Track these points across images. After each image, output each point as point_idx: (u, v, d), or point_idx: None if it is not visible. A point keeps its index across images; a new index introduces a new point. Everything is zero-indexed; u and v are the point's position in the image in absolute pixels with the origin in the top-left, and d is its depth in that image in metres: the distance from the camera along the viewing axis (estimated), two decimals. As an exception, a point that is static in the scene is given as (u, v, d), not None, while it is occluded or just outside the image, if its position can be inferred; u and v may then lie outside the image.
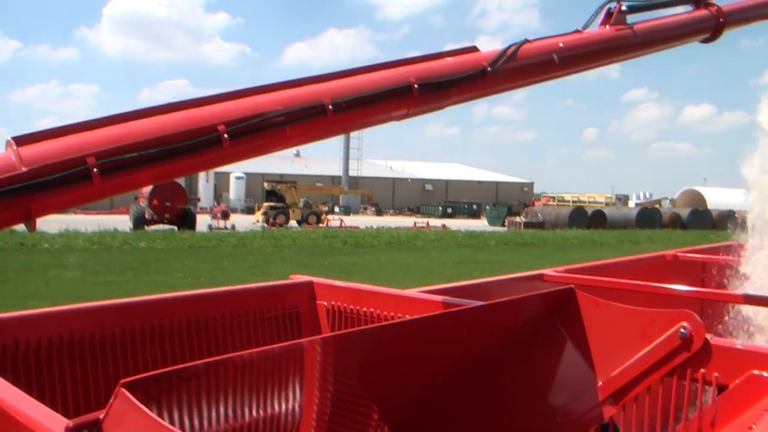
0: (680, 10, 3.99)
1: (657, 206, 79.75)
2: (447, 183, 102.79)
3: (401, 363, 2.47)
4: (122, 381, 1.51)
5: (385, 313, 3.13)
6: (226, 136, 2.03)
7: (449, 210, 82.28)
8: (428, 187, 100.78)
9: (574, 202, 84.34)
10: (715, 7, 4.06)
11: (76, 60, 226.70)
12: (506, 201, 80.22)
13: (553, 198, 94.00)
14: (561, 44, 3.06)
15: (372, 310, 3.20)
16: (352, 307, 3.29)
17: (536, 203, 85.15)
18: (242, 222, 45.73)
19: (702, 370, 2.27)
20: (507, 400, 2.63)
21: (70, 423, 1.53)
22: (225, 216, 46.57)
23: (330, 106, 2.25)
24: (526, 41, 2.94)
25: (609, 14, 3.40)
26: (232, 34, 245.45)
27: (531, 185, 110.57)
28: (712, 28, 4.07)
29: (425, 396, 2.57)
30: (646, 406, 2.40)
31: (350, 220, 56.63)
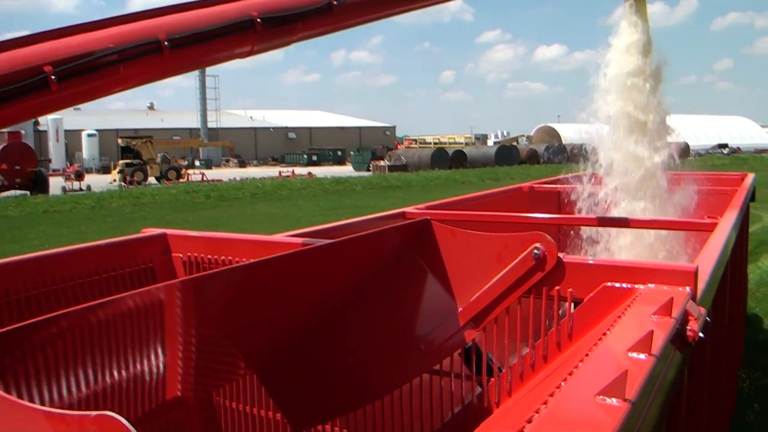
0: None
1: (514, 144, 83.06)
2: (310, 131, 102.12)
3: (263, 305, 2.40)
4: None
5: (244, 260, 3.03)
6: (53, 77, 1.84)
7: (314, 157, 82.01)
8: (291, 135, 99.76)
9: (435, 143, 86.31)
10: None
11: None
12: (370, 146, 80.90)
13: (416, 141, 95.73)
14: None
15: (231, 257, 3.09)
16: (209, 257, 3.16)
17: (399, 146, 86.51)
18: (98, 182, 43.69)
19: (557, 288, 2.34)
20: (372, 333, 2.63)
21: None
22: (79, 177, 44.34)
23: (166, 43, 2.10)
24: None
25: None
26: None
27: (393, 129, 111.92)
28: None
29: (291, 337, 2.53)
30: (506, 327, 2.46)
31: (212, 174, 55.41)
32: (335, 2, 2.61)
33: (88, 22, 2.08)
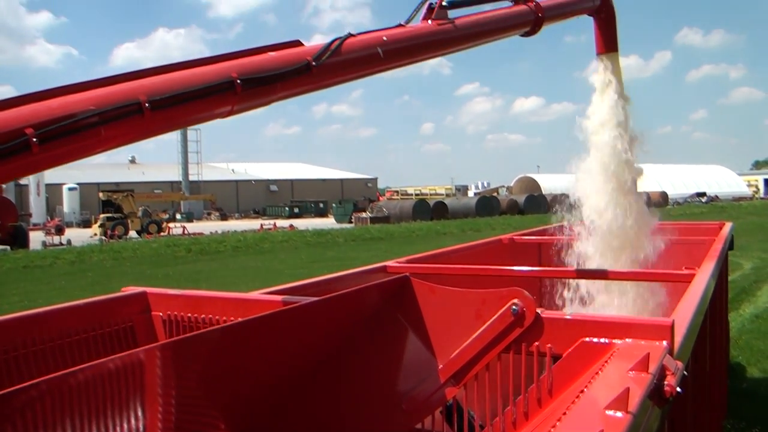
0: (500, 5, 4.17)
1: (495, 194, 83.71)
2: (292, 183, 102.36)
3: (243, 365, 2.39)
4: None
5: (224, 318, 3.01)
6: (35, 140, 1.86)
7: (296, 210, 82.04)
8: (273, 187, 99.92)
9: (416, 194, 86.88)
10: (534, 3, 4.27)
11: None
12: (352, 197, 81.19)
13: (397, 192, 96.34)
14: (384, 38, 3.09)
15: (211, 316, 3.07)
16: (189, 315, 3.15)
17: (381, 198, 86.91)
18: (79, 236, 43.42)
19: (536, 343, 2.36)
20: (352, 392, 2.62)
21: None
22: (59, 231, 44.07)
23: (147, 104, 2.13)
24: (350, 35, 2.94)
25: (431, 9, 3.50)
26: (57, 35, 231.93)
27: (375, 180, 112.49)
28: (531, 22, 4.28)
29: (271, 396, 2.51)
30: (487, 383, 2.46)
31: (193, 227, 55.24)
32: (313, 63, 2.67)
33: (69, 84, 2.12)
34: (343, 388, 2.63)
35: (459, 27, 3.59)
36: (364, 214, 58.95)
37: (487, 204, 62.77)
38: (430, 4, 3.50)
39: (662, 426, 2.04)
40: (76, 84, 2.13)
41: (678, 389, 1.88)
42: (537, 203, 63.15)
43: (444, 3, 3.52)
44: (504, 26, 4.11)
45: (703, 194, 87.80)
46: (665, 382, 1.87)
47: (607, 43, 5.57)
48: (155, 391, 2.17)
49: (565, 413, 1.57)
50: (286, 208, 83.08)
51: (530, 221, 36.37)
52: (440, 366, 2.52)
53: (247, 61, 2.52)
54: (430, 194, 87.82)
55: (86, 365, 1.93)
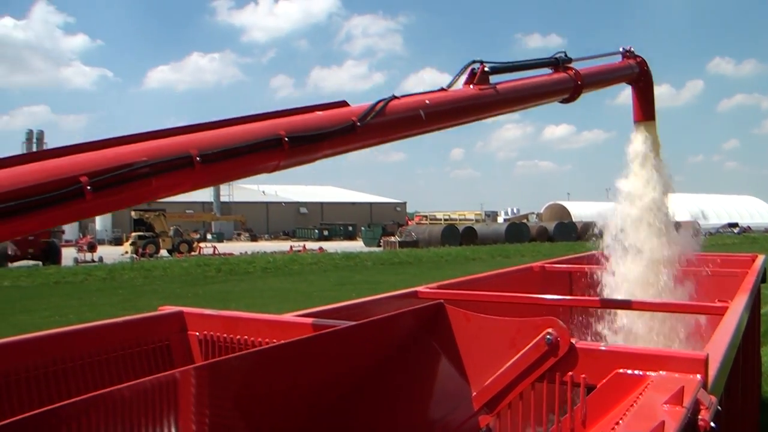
0: (541, 72, 4.24)
1: (524, 221, 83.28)
2: (322, 205, 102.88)
3: (278, 388, 2.42)
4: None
5: (259, 339, 3.06)
6: (89, 188, 1.93)
7: (325, 232, 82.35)
8: (303, 210, 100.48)
9: (445, 220, 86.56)
10: (574, 71, 4.34)
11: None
12: (381, 221, 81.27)
13: (426, 217, 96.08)
14: (427, 101, 3.18)
15: (246, 337, 3.12)
16: (225, 335, 3.20)
17: (410, 222, 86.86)
18: (110, 254, 43.94)
19: (570, 373, 2.36)
20: (385, 418, 2.64)
21: None
22: (91, 248, 44.73)
23: (198, 158, 2.20)
24: (394, 97, 3.04)
25: (473, 74, 3.57)
26: (93, 58, 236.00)
27: (404, 205, 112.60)
28: (570, 89, 4.35)
29: (305, 420, 2.54)
30: (520, 412, 2.47)
31: (224, 247, 55.61)
32: (358, 123, 2.74)
33: (123, 135, 2.22)
34: (376, 413, 2.65)
35: (500, 92, 3.66)
36: (392, 239, 58.95)
37: (517, 230, 62.41)
38: (473, 69, 3.59)
39: (696, 461, 2.03)
40: (130, 135, 2.22)
41: (712, 424, 1.87)
42: (567, 230, 62.68)
43: (486, 69, 3.60)
44: (544, 93, 4.20)
45: (735, 225, 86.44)
46: (699, 417, 1.87)
47: (645, 112, 5.65)
48: (189, 411, 2.21)
49: (600, 444, 1.58)
50: (316, 231, 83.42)
51: (560, 249, 36.12)
52: (473, 394, 2.53)
53: (294, 120, 2.60)
54: (459, 219, 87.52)
55: (124, 385, 1.98)
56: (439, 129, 3.33)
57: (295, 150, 2.50)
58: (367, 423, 2.64)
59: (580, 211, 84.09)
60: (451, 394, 2.59)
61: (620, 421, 1.74)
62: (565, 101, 4.42)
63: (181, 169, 2.18)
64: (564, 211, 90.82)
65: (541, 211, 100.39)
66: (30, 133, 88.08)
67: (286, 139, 2.45)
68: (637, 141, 5.61)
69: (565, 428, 2.23)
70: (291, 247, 53.28)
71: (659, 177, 5.52)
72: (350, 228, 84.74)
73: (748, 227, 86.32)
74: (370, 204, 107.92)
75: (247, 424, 2.44)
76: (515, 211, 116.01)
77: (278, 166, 2.55)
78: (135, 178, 2.06)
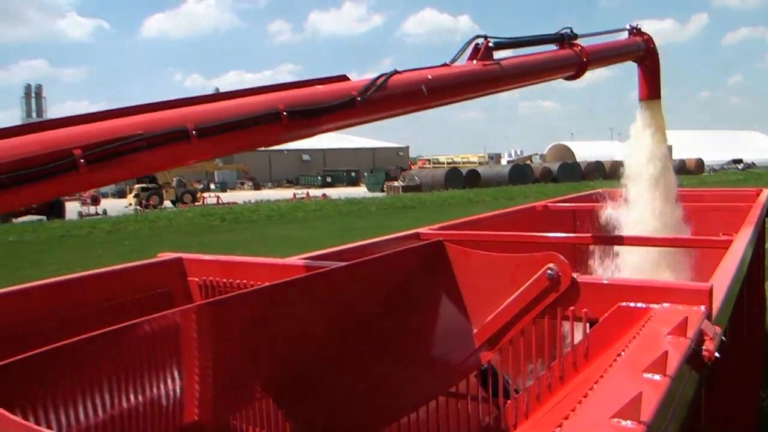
0: (546, 48, 4.15)
1: (528, 162, 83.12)
2: (324, 152, 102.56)
3: (278, 328, 2.41)
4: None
5: (260, 283, 3.04)
6: (82, 161, 1.90)
7: (328, 179, 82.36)
8: (305, 157, 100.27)
9: (448, 163, 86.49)
10: (579, 47, 4.24)
11: None
12: (383, 166, 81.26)
13: (429, 161, 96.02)
14: (429, 76, 3.12)
15: (246, 281, 3.10)
16: (225, 280, 3.18)
17: (413, 167, 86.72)
18: (114, 206, 44.10)
19: (572, 308, 2.34)
20: (388, 355, 2.63)
21: None
22: (95, 201, 44.86)
23: (194, 131, 2.16)
24: (396, 72, 2.97)
25: (477, 49, 3.50)
26: (88, 8, 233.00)
27: (406, 149, 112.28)
28: (576, 66, 4.26)
29: (306, 359, 2.53)
30: (522, 348, 2.46)
31: (227, 197, 55.78)
32: (358, 98, 2.69)
33: (118, 108, 2.18)
34: (377, 351, 2.64)
35: (504, 68, 3.61)
36: (396, 183, 58.97)
37: (521, 172, 62.28)
38: (477, 44, 3.53)
39: (699, 392, 2.02)
40: (125, 108, 2.18)
41: (716, 354, 1.85)
42: (571, 171, 62.51)
43: (490, 44, 3.54)
44: (549, 69, 4.14)
45: (739, 161, 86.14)
46: (704, 347, 1.85)
47: (651, 90, 5.56)
48: (192, 352, 2.20)
49: (602, 377, 1.55)
50: (319, 178, 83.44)
51: (564, 189, 36.00)
52: (475, 330, 2.52)
53: (293, 93, 2.56)
54: (463, 163, 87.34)
55: (123, 325, 1.97)
56: (441, 104, 3.30)
57: (293, 124, 2.47)
58: (370, 360, 2.63)
59: (584, 151, 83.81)
60: (452, 331, 2.58)
61: (622, 353, 1.72)
62: (570, 78, 4.35)
63: (177, 143, 2.15)
64: (568, 152, 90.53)
65: (545, 152, 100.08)
66: (28, 87, 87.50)
67: (285, 113, 2.42)
68: (640, 117, 5.56)
69: (567, 362, 2.22)
70: (294, 194, 53.27)
71: (664, 146, 5.51)
72: (353, 174, 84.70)
73: (753, 163, 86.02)
74: (373, 149, 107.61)
75: (250, 363, 2.44)
76: (519, 152, 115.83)
77: (276, 141, 2.53)
78: (130, 152, 2.03)
